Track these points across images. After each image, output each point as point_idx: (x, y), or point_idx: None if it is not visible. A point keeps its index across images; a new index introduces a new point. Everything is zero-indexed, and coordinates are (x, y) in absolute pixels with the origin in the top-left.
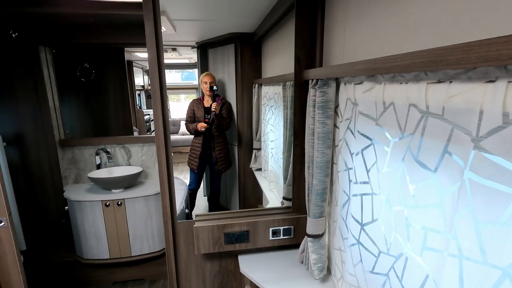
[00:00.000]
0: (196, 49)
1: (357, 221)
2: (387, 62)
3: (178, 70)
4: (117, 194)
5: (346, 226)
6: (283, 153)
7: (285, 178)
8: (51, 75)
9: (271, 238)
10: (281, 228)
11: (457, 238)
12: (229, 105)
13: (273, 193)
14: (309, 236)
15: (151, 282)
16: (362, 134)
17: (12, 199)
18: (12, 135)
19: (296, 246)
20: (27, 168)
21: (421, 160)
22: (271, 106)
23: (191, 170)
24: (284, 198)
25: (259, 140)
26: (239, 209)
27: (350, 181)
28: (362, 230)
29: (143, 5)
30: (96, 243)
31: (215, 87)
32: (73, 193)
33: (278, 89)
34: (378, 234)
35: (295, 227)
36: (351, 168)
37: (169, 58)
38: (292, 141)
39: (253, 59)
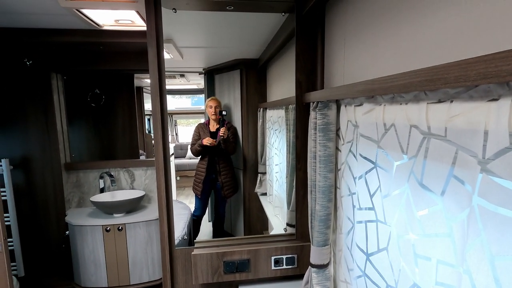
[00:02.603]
0: (203, 75)
1: (362, 250)
2: (385, 83)
3: (189, 96)
4: (118, 219)
5: (351, 256)
6: (286, 177)
7: (288, 203)
8: (60, 100)
9: (273, 267)
10: (284, 257)
11: (470, 272)
12: (235, 129)
13: (278, 219)
14: (313, 266)
15: None
16: (364, 157)
17: (14, 223)
18: (19, 158)
19: (300, 276)
20: (32, 191)
21: (425, 184)
22: (275, 130)
23: (196, 196)
24: (287, 224)
25: (264, 164)
26: (244, 235)
27: (354, 206)
28: (367, 261)
29: (147, 33)
30: (94, 270)
31: (224, 112)
32: (75, 217)
33: (282, 112)
34: (385, 265)
35: (298, 256)
36: (354, 193)
37: (177, 84)
38: (295, 164)
39: (258, 84)
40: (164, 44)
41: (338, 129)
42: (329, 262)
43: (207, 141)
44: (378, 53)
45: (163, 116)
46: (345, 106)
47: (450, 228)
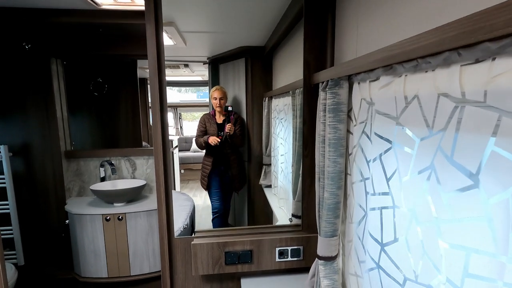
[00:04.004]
0: (207, 64)
1: (376, 240)
2: (408, 45)
3: (194, 90)
4: (118, 208)
5: (363, 247)
6: (292, 165)
7: (294, 193)
8: (61, 87)
9: (277, 259)
10: (289, 248)
11: None
12: (242, 120)
13: (283, 211)
14: (320, 258)
15: None
16: (380, 137)
17: (13, 210)
18: (18, 145)
19: (306, 269)
20: (32, 179)
21: (457, 161)
22: (281, 119)
23: (208, 191)
24: (293, 215)
25: (269, 155)
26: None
27: (367, 193)
28: (382, 252)
29: (145, 6)
30: (94, 260)
31: (230, 108)
32: (75, 206)
33: (288, 100)
34: (402, 256)
35: (304, 248)
36: (367, 178)
37: (182, 75)
38: (302, 152)
39: (264, 73)
40: (165, 28)
41: (349, 110)
42: (337, 254)
43: (212, 140)
44: (397, 19)
45: (161, 95)
46: (359, 83)
47: (488, 211)
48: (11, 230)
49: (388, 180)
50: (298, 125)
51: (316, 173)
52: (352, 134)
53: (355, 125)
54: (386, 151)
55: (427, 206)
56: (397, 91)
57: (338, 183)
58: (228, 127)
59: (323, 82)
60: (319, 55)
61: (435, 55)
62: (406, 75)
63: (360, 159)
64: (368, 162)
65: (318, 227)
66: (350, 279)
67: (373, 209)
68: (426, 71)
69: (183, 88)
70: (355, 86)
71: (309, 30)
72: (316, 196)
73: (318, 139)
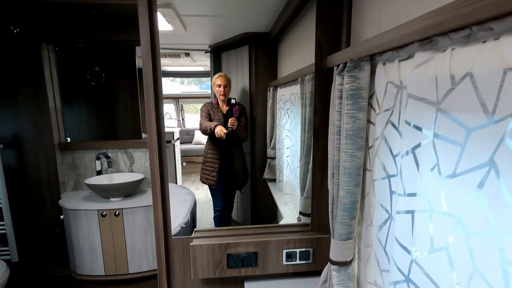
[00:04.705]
0: (209, 53)
1: (405, 248)
2: (464, 6)
3: (197, 83)
4: (115, 203)
5: (386, 255)
6: (300, 159)
7: (302, 189)
8: (53, 75)
9: (285, 262)
10: (297, 250)
11: None
12: (246, 112)
13: (288, 207)
14: (333, 263)
15: None
16: (414, 127)
17: (5, 205)
18: (9, 137)
19: (316, 273)
20: (24, 172)
21: None
22: (287, 109)
23: (210, 188)
24: (300, 213)
25: (274, 148)
26: (251, 224)
27: (392, 192)
28: (414, 263)
29: None
30: (90, 257)
31: (233, 100)
32: (69, 200)
33: (295, 88)
34: (442, 271)
35: (314, 250)
36: (393, 175)
37: (183, 64)
38: (312, 144)
39: (269, 61)
40: (163, 10)
41: (371, 97)
42: (352, 258)
43: (219, 131)
44: None
45: (155, 79)
46: (384, 64)
47: None
48: (3, 225)
49: (423, 178)
50: (307, 115)
51: (329, 168)
52: (373, 124)
53: (378, 114)
54: (421, 144)
55: (482, 213)
56: (439, 69)
57: (355, 180)
58: (231, 121)
59: (338, 66)
60: (333, 35)
61: (501, 18)
62: (453, 49)
63: (384, 153)
64: (394, 156)
65: (331, 229)
66: None
67: (401, 212)
68: (485, 41)
69: (185, 81)
70: (379, 67)
71: (322, 6)
72: (330, 194)
73: (332, 130)
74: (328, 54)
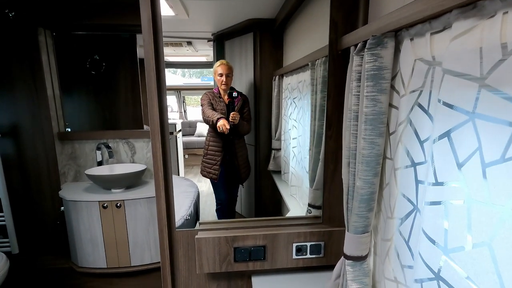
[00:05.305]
0: (212, 42)
1: (436, 244)
2: None
3: (198, 75)
4: (116, 195)
5: (410, 250)
6: (310, 149)
7: (311, 180)
8: (51, 62)
9: (294, 256)
10: (308, 244)
11: None
12: (249, 103)
13: (295, 199)
14: (347, 257)
15: None
16: (450, 106)
17: (4, 196)
18: (7, 126)
19: (327, 268)
20: (23, 162)
21: None
22: (294, 98)
23: (212, 182)
24: (309, 205)
25: (279, 139)
26: (255, 217)
27: (418, 182)
28: (446, 260)
29: None
30: (92, 249)
31: (235, 94)
32: (69, 192)
33: (303, 75)
34: (484, 269)
35: (326, 244)
36: (420, 163)
37: (185, 54)
38: (323, 132)
39: (274, 49)
40: None
41: (393, 78)
42: (368, 253)
43: (222, 125)
44: None
45: (158, 61)
46: (411, 39)
47: None
48: (2, 216)
49: (460, 165)
50: (318, 101)
51: (344, 157)
52: (396, 108)
53: (403, 96)
54: (458, 126)
55: None
56: (485, 39)
57: (375, 169)
58: (232, 116)
59: (356, 45)
60: (349, 13)
61: None
62: (505, 12)
63: (409, 139)
64: (422, 142)
65: (346, 222)
66: (387, 285)
67: (431, 203)
68: None
69: (187, 74)
70: (406, 44)
71: None
72: (344, 184)
73: (348, 115)
74: (344, 34)
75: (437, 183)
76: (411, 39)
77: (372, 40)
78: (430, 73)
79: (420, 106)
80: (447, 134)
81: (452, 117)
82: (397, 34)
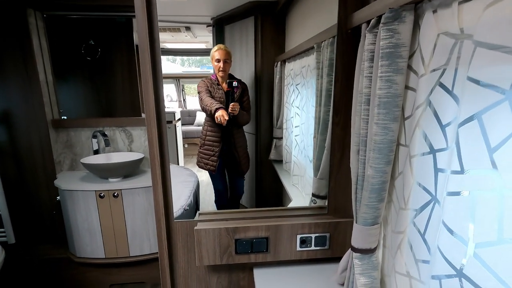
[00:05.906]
0: (211, 27)
1: (459, 238)
2: None
3: (198, 64)
4: (113, 184)
5: (426, 243)
6: (315, 137)
7: (316, 169)
8: (42, 45)
9: (298, 248)
10: (313, 235)
11: None
12: (248, 91)
13: (297, 189)
14: (355, 250)
15: (153, 286)
16: (484, 85)
17: None
18: None
19: (332, 260)
20: (17, 150)
21: None
22: (297, 84)
23: (210, 173)
24: (313, 195)
25: (281, 128)
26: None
27: (438, 170)
28: (472, 256)
29: None
30: (89, 239)
31: (235, 83)
32: (65, 181)
33: (307, 60)
34: None
35: (331, 235)
36: (441, 150)
37: (183, 41)
38: (330, 119)
39: (276, 33)
40: None
41: (410, 56)
42: (377, 245)
43: (221, 116)
44: None
45: (153, 43)
46: (434, 11)
47: None
48: None
49: (492, 150)
50: (324, 86)
51: (352, 144)
52: (413, 90)
53: (422, 75)
54: (491, 107)
55: None
56: None
57: (387, 157)
58: (232, 107)
59: (369, 22)
60: None
61: None
62: None
63: (428, 123)
64: (444, 126)
65: (354, 213)
66: (398, 279)
67: (453, 193)
68: None
69: (186, 62)
70: (428, 16)
71: None
72: (353, 173)
73: (359, 99)
74: (354, 11)
75: (462, 171)
76: (434, 11)
77: (389, 13)
78: (456, 48)
79: (443, 86)
80: (477, 116)
81: (483, 96)
82: (417, 7)
